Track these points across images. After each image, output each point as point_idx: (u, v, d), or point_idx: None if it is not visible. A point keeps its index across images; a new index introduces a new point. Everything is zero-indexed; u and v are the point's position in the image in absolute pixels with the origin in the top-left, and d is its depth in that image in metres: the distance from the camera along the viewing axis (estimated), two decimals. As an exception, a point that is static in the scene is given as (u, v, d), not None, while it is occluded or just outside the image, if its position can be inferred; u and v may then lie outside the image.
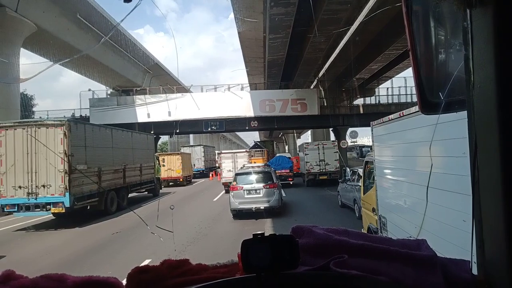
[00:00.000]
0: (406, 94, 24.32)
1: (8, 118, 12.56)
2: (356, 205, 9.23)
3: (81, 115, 23.20)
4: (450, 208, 2.46)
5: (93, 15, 17.51)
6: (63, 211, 9.49)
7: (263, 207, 9.39)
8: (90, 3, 17.24)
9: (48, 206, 9.45)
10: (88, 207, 10.98)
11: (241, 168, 12.24)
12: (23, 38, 15.80)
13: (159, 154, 23.48)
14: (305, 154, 18.60)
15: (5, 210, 9.63)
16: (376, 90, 26.78)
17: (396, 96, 24.88)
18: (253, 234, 0.57)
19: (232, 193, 9.74)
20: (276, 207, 9.65)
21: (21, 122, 10.30)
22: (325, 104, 23.42)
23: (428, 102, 0.60)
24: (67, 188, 9.37)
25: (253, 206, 9.40)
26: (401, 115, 3.63)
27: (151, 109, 21.99)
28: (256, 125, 23.32)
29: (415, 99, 0.63)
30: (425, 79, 0.60)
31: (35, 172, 9.41)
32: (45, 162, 9.41)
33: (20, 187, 9.39)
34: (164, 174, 21.54)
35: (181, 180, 23.31)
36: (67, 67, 23.65)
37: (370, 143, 5.21)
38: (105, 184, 11.32)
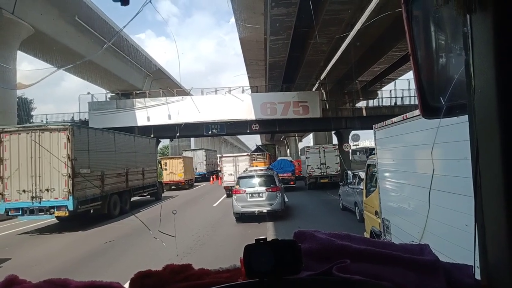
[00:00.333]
0: (410, 96, 24.07)
1: (5, 122, 12.59)
2: (357, 208, 9.22)
3: (80, 119, 22.96)
4: (453, 210, 2.45)
5: (92, 18, 17.26)
6: (67, 214, 9.55)
7: (266, 210, 9.37)
8: (89, 6, 17.02)
9: (52, 210, 9.51)
10: (91, 211, 11.02)
11: (244, 171, 12.24)
12: (20, 41, 15.49)
13: (161, 158, 23.56)
14: (306, 158, 18.81)
15: (10, 213, 9.69)
16: (379, 92, 26.59)
17: (400, 98, 24.68)
18: (256, 239, 0.57)
19: (235, 197, 9.74)
20: (279, 210, 9.62)
21: (25, 127, 10.41)
22: (327, 106, 23.21)
23: (429, 106, 0.60)
24: (71, 191, 9.42)
25: (256, 209, 9.38)
26: (405, 118, 3.63)
27: (151, 112, 21.81)
28: (257, 128, 23.10)
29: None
30: (426, 84, 0.60)
31: (39, 176, 9.48)
32: (48, 166, 9.48)
33: (24, 191, 9.46)
34: (166, 178, 21.58)
35: (183, 183, 23.33)
36: (68, 71, 23.47)
37: (374, 146, 5.20)
38: (108, 188, 11.37)
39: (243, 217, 9.58)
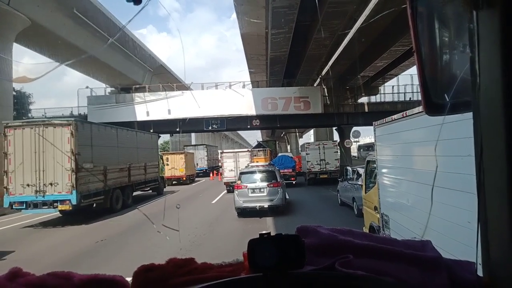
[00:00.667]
0: (413, 92, 23.79)
1: (1, 116, 12.52)
2: (355, 203, 9.39)
3: (79, 113, 22.65)
4: (454, 207, 2.47)
5: (91, 10, 16.85)
6: (70, 208, 9.65)
7: (267, 206, 9.42)
8: (88, -2, 16.60)
9: (55, 204, 9.61)
10: (94, 205, 11.11)
11: (246, 167, 12.27)
12: (16, 33, 15.07)
13: (163, 153, 23.59)
14: (306, 154, 19.06)
15: (14, 207, 9.80)
16: (382, 88, 26.29)
17: (402, 94, 24.40)
18: (259, 234, 0.57)
19: (236, 192, 9.80)
20: (280, 206, 9.67)
21: (29, 122, 10.47)
22: (329, 102, 22.88)
23: (433, 103, 0.60)
24: (74, 186, 9.51)
25: (257, 204, 9.43)
26: (404, 115, 3.67)
27: (151, 107, 21.49)
28: (258, 124, 22.85)
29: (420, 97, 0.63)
30: (430, 80, 0.60)
31: (43, 171, 9.56)
32: (52, 161, 9.55)
33: (28, 185, 9.55)
34: (167, 173, 21.66)
35: (184, 179, 23.43)
36: (69, 66, 23.09)
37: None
38: (110, 182, 11.45)
39: (244, 212, 9.64)
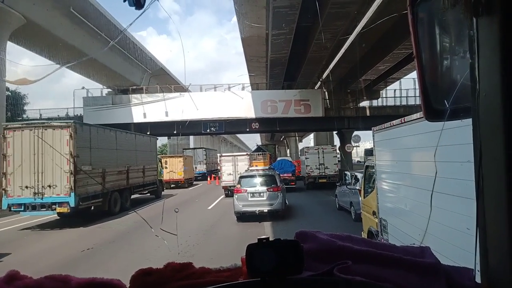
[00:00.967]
0: (415, 96, 23.36)
1: None
2: (352, 208, 9.45)
3: (75, 115, 22.16)
4: (453, 212, 2.48)
5: (88, 9, 16.46)
6: (68, 211, 9.60)
7: (266, 210, 9.38)
8: (85, -3, 16.29)
9: (53, 206, 9.58)
10: (92, 208, 11.07)
11: (246, 171, 12.23)
12: (10, 31, 14.78)
13: (162, 157, 23.52)
14: (306, 158, 19.15)
15: (12, 209, 9.75)
16: (384, 91, 25.97)
17: (405, 98, 23.78)
18: (258, 239, 0.57)
19: (236, 196, 9.76)
20: (279, 210, 9.63)
21: (29, 124, 10.47)
22: (329, 106, 22.62)
23: (433, 109, 0.60)
24: (73, 188, 9.48)
25: (257, 209, 9.39)
26: (402, 121, 3.73)
27: (148, 109, 21.07)
28: (257, 127, 22.51)
29: None
30: (430, 86, 0.60)
31: (42, 173, 9.54)
32: (51, 163, 9.54)
33: (26, 187, 9.52)
34: (166, 176, 21.58)
35: (182, 182, 23.30)
36: (67, 67, 22.42)
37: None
38: (109, 185, 11.42)
39: (243, 217, 9.59)
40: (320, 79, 23.00)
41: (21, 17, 14.59)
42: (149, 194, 16.41)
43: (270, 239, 0.57)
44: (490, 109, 0.48)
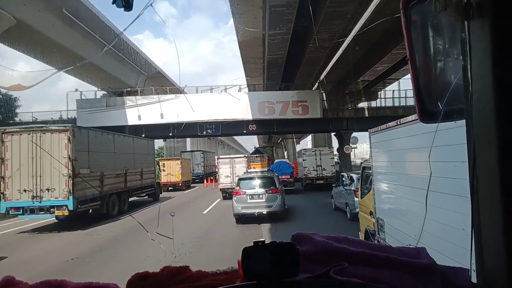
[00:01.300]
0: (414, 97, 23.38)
1: None
2: (348, 208, 9.61)
3: (69, 117, 21.72)
4: (447, 210, 2.51)
5: (81, 10, 16.01)
6: (67, 214, 9.59)
7: (265, 212, 9.37)
8: (77, -2, 15.64)
9: (52, 209, 9.56)
10: (91, 211, 11.03)
11: (244, 173, 12.21)
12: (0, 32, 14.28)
13: (159, 159, 23.41)
14: (303, 160, 19.37)
15: (10, 212, 9.72)
16: (382, 92, 25.67)
17: (403, 99, 23.55)
18: (254, 242, 0.57)
19: (235, 198, 9.74)
20: (278, 212, 9.61)
21: (27, 128, 10.45)
22: (327, 107, 22.35)
23: (427, 111, 0.61)
24: (71, 191, 9.46)
25: (256, 211, 9.37)
26: (398, 123, 3.78)
27: (142, 111, 20.63)
28: (254, 129, 22.09)
29: None
30: (424, 88, 0.61)
31: (40, 176, 9.52)
32: (49, 166, 9.52)
33: (25, 190, 9.49)
34: (164, 178, 21.50)
35: (180, 184, 23.21)
36: (62, 70, 22.46)
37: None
38: (107, 188, 11.40)
39: (242, 219, 9.57)
40: (318, 80, 22.89)
41: (11, 17, 14.14)
42: (147, 197, 16.38)
43: (266, 241, 0.57)
44: (483, 110, 0.48)
